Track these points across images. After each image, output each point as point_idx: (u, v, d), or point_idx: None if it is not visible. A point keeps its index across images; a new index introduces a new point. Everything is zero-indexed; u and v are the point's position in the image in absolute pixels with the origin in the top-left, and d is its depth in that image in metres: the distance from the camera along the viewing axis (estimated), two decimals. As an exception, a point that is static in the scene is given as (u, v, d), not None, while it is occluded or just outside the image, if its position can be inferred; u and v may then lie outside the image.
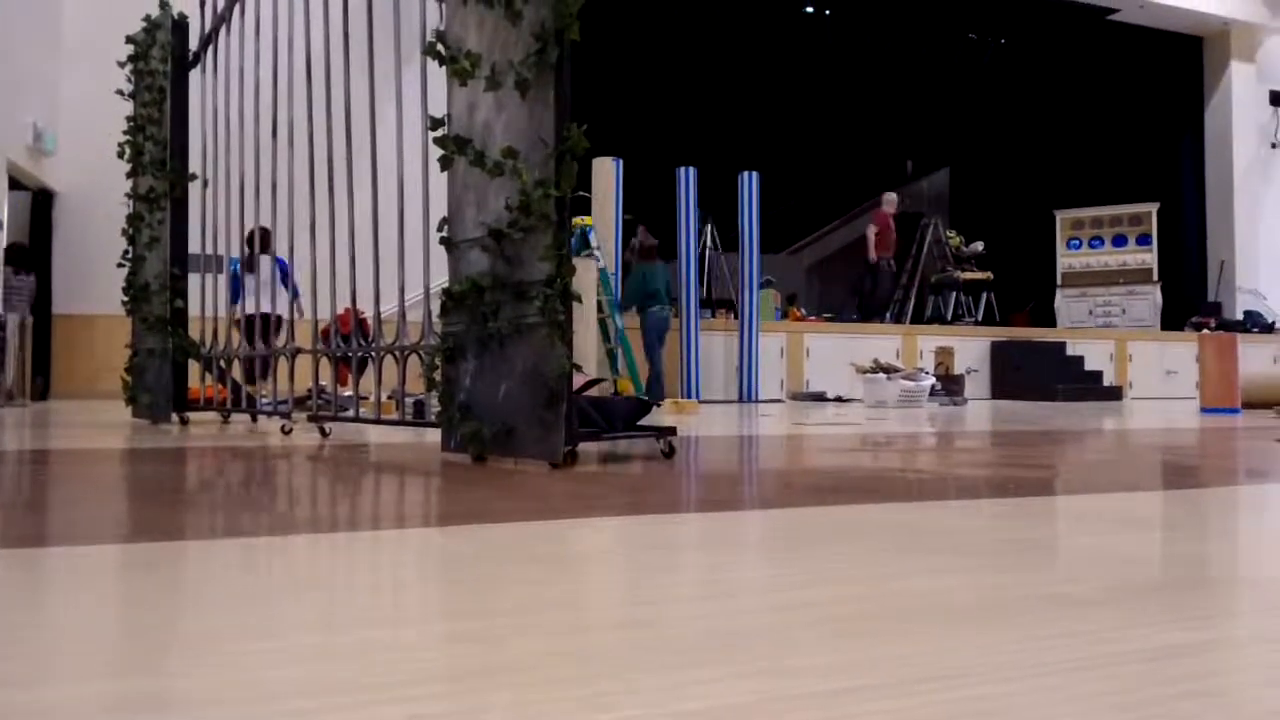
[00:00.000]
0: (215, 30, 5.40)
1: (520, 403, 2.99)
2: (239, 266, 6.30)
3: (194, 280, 5.41)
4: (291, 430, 4.47)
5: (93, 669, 0.97)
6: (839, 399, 10.66)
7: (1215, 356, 8.41)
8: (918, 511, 2.19)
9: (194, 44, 5.59)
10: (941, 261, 14.85)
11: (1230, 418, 7.30)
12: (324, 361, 4.65)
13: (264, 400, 5.15)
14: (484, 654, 1.01)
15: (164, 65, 5.50)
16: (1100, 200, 14.59)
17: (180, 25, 5.56)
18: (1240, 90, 15.29)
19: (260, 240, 6.03)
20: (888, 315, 13.32)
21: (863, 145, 15.47)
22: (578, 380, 3.16)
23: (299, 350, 4.69)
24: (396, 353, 3.84)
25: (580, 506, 2.20)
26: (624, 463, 3.18)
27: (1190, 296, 15.10)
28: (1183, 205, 15.51)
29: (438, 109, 3.40)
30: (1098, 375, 12.35)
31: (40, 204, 9.64)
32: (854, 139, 15.24)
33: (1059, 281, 14.73)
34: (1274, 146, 15.50)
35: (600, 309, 8.99)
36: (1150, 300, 14.15)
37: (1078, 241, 14.78)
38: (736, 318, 10.89)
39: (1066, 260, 14.75)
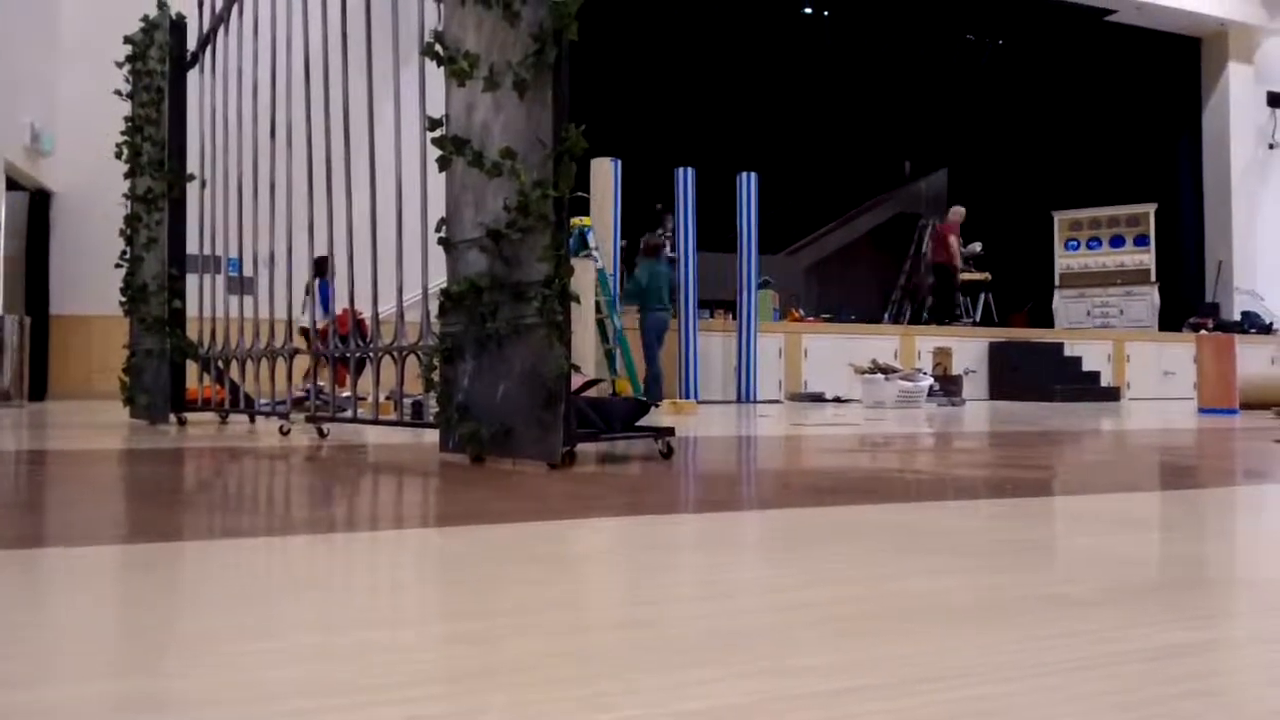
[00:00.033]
0: (213, 30, 5.40)
1: (518, 403, 2.98)
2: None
3: (192, 281, 5.40)
4: (289, 431, 4.46)
5: (92, 669, 0.97)
6: (837, 400, 10.66)
7: (1213, 357, 8.43)
8: (916, 512, 2.19)
9: (192, 44, 5.58)
10: (939, 262, 14.85)
11: (1228, 418, 7.30)
12: (322, 362, 4.64)
13: (265, 403, 5.14)
14: (483, 654, 1.01)
15: (162, 65, 5.49)
16: (1098, 201, 14.60)
17: (178, 25, 5.55)
18: (1238, 91, 15.31)
19: (319, 266, 6.07)
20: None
21: (861, 146, 15.48)
22: (576, 381, 3.16)
23: (297, 351, 4.68)
24: (395, 353, 3.84)
25: (579, 507, 2.20)
26: (622, 463, 3.17)
27: (1188, 297, 15.12)
28: (1180, 206, 15.53)
29: (436, 109, 3.40)
30: (1095, 376, 12.36)
31: (38, 204, 9.63)
32: (852, 140, 15.24)
33: (1057, 282, 14.75)
34: (1271, 147, 15.53)
35: (598, 310, 8.99)
36: (1148, 301, 14.17)
37: (1076, 242, 14.80)
38: (733, 317, 10.87)
39: (1064, 261, 14.77)
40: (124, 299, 5.73)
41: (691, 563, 1.60)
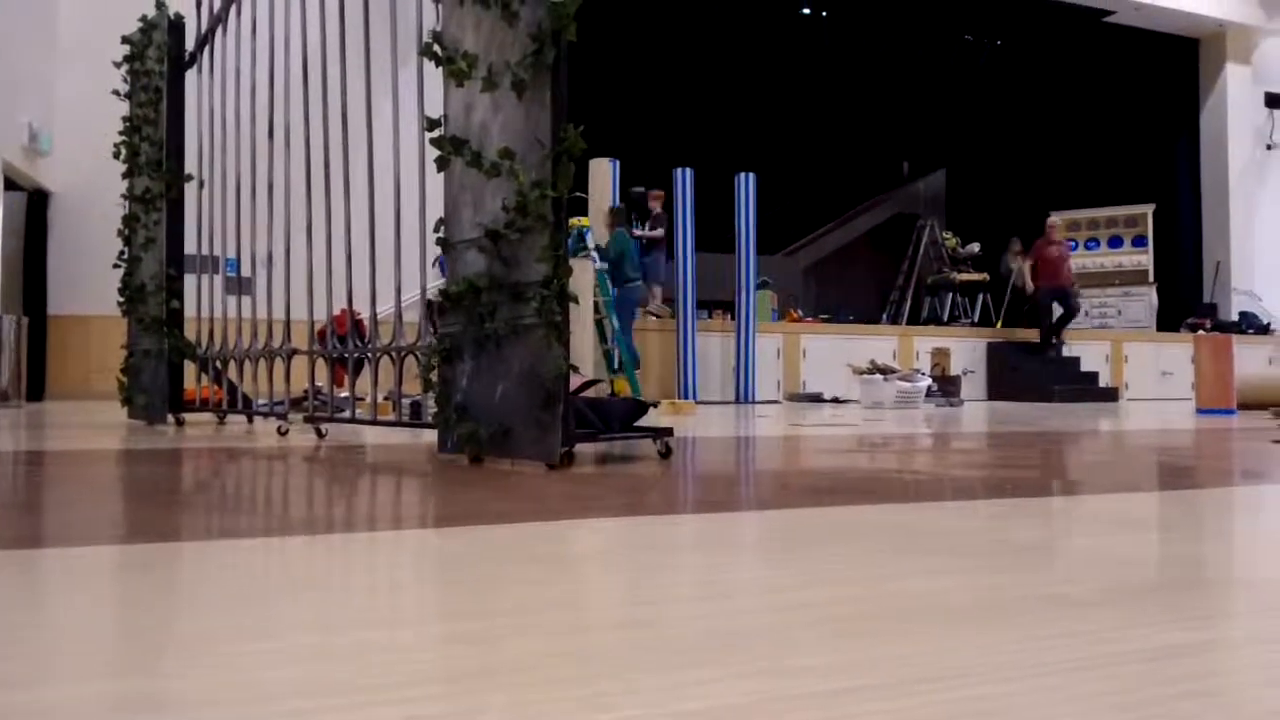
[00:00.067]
0: (211, 31, 5.39)
1: (517, 404, 2.98)
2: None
3: (190, 281, 5.40)
4: (288, 431, 4.46)
5: (90, 670, 0.97)
6: (836, 400, 10.67)
7: (1211, 358, 8.44)
8: (915, 512, 2.19)
9: (190, 44, 5.57)
10: (938, 263, 14.88)
11: (1226, 419, 7.31)
12: (320, 362, 4.64)
13: (263, 403, 5.14)
14: (482, 655, 1.01)
15: (160, 66, 5.49)
16: (1096, 202, 14.62)
17: (176, 25, 5.55)
18: (1235, 92, 15.34)
19: None
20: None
21: (859, 146, 15.49)
22: (574, 381, 3.16)
23: (295, 351, 4.68)
24: (393, 353, 3.84)
25: (577, 507, 2.19)
26: (621, 464, 3.17)
27: (1186, 298, 15.14)
28: (1178, 207, 15.55)
29: (434, 109, 3.40)
30: (1094, 376, 12.37)
31: (36, 204, 9.62)
32: (851, 140, 15.25)
33: (1055, 282, 14.74)
34: (1269, 148, 15.55)
35: (597, 310, 8.98)
36: (1146, 301, 14.19)
37: (1074, 243, 14.80)
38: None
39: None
40: (122, 299, 5.72)
41: (690, 563, 1.60)
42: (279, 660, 0.98)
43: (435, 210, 3.41)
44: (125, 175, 5.77)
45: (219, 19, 5.30)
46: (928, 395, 9.48)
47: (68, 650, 1.03)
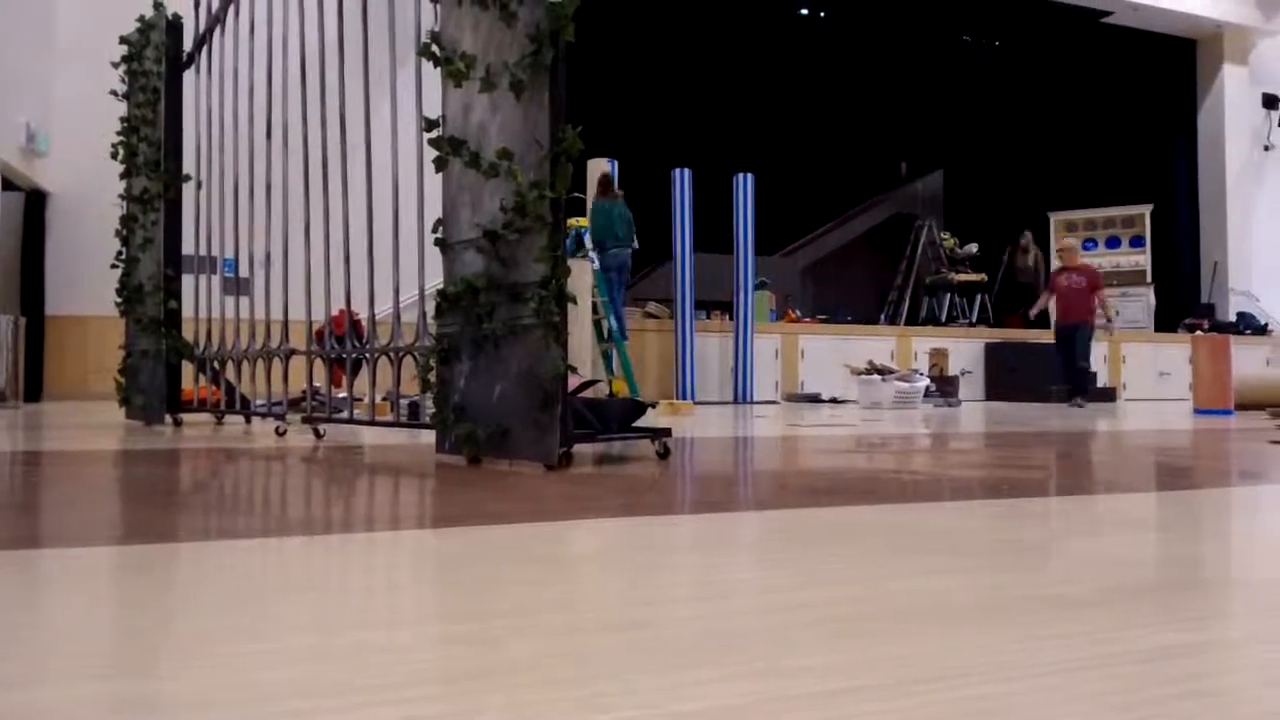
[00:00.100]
0: (209, 31, 5.39)
1: (515, 404, 2.98)
2: None
3: (188, 281, 5.39)
4: (286, 432, 4.45)
5: (87, 671, 0.96)
6: (834, 400, 10.67)
7: (1208, 358, 8.44)
8: (913, 513, 2.19)
9: (188, 45, 5.57)
10: (936, 263, 14.89)
11: (1223, 419, 7.32)
12: (318, 363, 4.64)
13: (261, 404, 5.13)
14: (480, 655, 1.01)
15: (158, 66, 5.48)
16: (1094, 202, 14.64)
17: (174, 26, 5.55)
18: (1233, 93, 15.35)
19: None
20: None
21: (857, 147, 15.50)
22: (573, 382, 3.16)
23: (293, 351, 4.68)
24: (391, 354, 3.83)
25: (576, 508, 2.19)
26: (619, 464, 3.17)
27: (1183, 298, 15.15)
28: (1176, 207, 15.57)
29: (432, 110, 3.40)
30: (1092, 377, 12.37)
31: (33, 205, 9.61)
32: (849, 141, 15.26)
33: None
34: (1266, 149, 15.57)
35: (595, 310, 8.98)
36: (1144, 302, 14.21)
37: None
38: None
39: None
40: (120, 299, 5.72)
41: (688, 564, 1.60)
42: (276, 661, 0.98)
43: (433, 211, 3.41)
44: (123, 176, 5.77)
45: (217, 19, 5.30)
46: (925, 396, 9.49)
47: (65, 651, 1.03)
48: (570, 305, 2.93)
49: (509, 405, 3.00)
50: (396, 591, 1.41)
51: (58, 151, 9.50)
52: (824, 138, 14.92)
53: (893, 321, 14.55)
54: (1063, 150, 15.21)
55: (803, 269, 15.41)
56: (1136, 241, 14.39)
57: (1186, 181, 15.70)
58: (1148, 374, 13.23)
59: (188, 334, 5.40)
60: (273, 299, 4.76)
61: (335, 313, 4.65)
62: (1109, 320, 10.71)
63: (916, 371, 10.14)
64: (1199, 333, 12.40)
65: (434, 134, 3.35)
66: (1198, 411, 8.20)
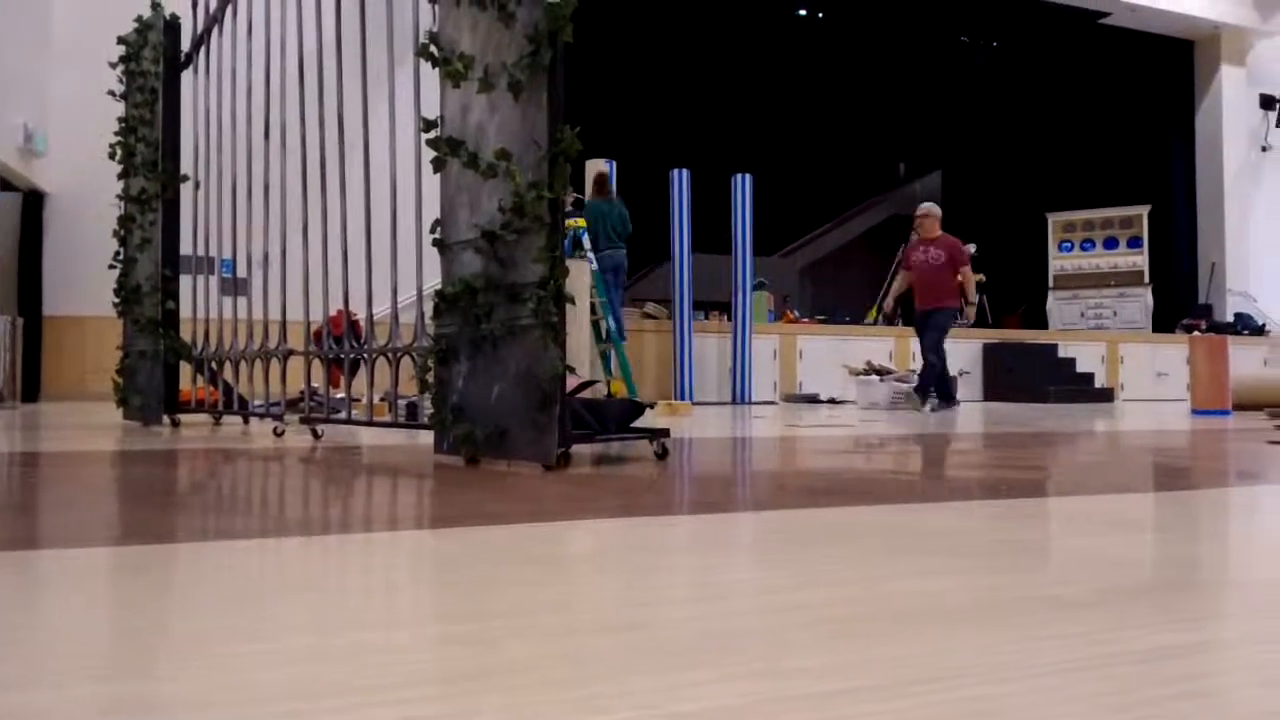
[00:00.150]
0: (207, 31, 5.39)
1: (513, 405, 2.98)
2: None
3: (186, 282, 5.39)
4: (283, 432, 4.45)
5: (85, 672, 0.96)
6: (832, 401, 10.67)
7: (1206, 358, 8.45)
8: (911, 513, 2.19)
9: (186, 45, 5.57)
10: (934, 264, 14.88)
11: (1221, 420, 7.32)
12: (316, 363, 4.63)
13: (259, 404, 5.13)
14: (477, 656, 1.01)
15: (156, 66, 5.48)
16: (1092, 203, 14.65)
17: (172, 26, 5.54)
18: (1230, 94, 15.37)
19: None
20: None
21: (856, 148, 15.51)
22: (571, 382, 3.16)
23: (291, 352, 4.67)
24: (389, 354, 3.83)
25: (574, 509, 2.19)
26: (617, 465, 3.17)
27: (1181, 299, 15.17)
28: (1174, 208, 15.58)
29: (431, 110, 3.40)
30: (1089, 377, 12.40)
31: (31, 205, 9.60)
32: (847, 141, 15.28)
33: (1051, 284, 14.79)
34: (1264, 150, 15.58)
35: (593, 311, 8.98)
36: (1141, 302, 14.22)
37: (1069, 244, 14.84)
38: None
39: (1058, 263, 14.82)
40: (117, 300, 5.71)
41: (686, 564, 1.60)
42: (274, 662, 0.98)
43: (431, 211, 3.40)
44: (121, 176, 5.76)
45: (215, 19, 5.30)
46: (924, 396, 9.48)
47: (62, 652, 1.03)
48: (568, 306, 2.93)
49: (507, 406, 3.00)
50: (394, 592, 1.41)
51: (55, 152, 9.49)
52: (822, 138, 14.94)
53: (891, 322, 14.55)
54: (1061, 151, 15.23)
55: (801, 269, 15.42)
56: (1134, 242, 14.41)
57: (1184, 182, 15.71)
58: (1145, 374, 13.24)
59: (186, 334, 5.40)
60: (270, 299, 4.75)
61: (333, 313, 4.65)
62: (969, 303, 9.02)
63: (914, 372, 10.14)
64: (1197, 333, 12.41)
65: (432, 134, 3.34)
66: (1195, 412, 8.20)
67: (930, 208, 9.04)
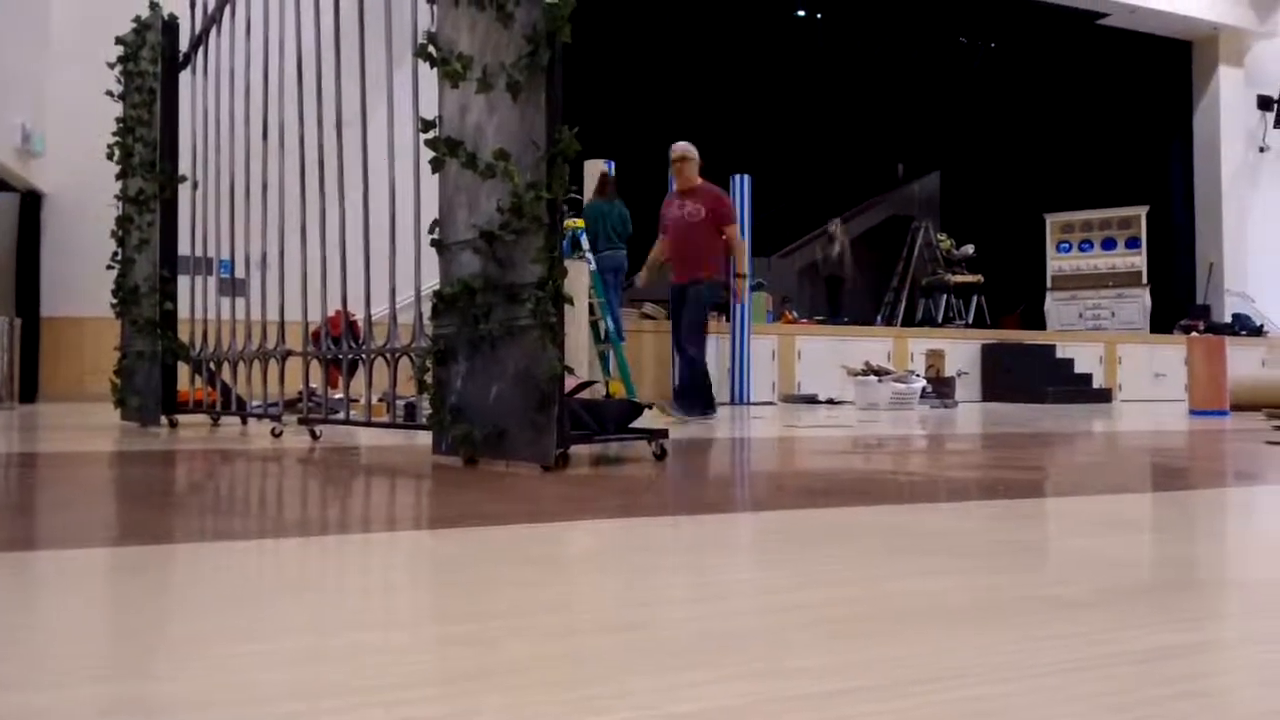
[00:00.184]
0: (205, 31, 5.38)
1: (512, 405, 2.98)
2: None
3: (184, 282, 5.38)
4: (281, 433, 4.45)
5: (83, 672, 0.96)
6: (830, 401, 10.68)
7: (1204, 359, 8.45)
8: (910, 514, 2.19)
9: (184, 45, 5.56)
10: (932, 265, 14.91)
11: (1219, 420, 7.33)
12: (314, 364, 4.63)
13: (257, 405, 5.13)
14: (476, 657, 1.01)
15: (154, 66, 5.47)
16: (1090, 204, 14.66)
17: (170, 26, 5.54)
18: (1228, 94, 15.38)
19: None
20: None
21: (854, 149, 15.52)
22: (569, 383, 3.15)
23: (289, 353, 4.67)
24: (387, 355, 3.83)
25: (572, 509, 2.19)
26: (616, 465, 3.17)
27: (1179, 299, 15.18)
28: (1171, 209, 15.60)
29: (429, 111, 3.39)
30: (1087, 378, 12.40)
31: (29, 205, 9.59)
32: (845, 142, 15.28)
33: (1049, 284, 14.80)
34: (1262, 150, 15.60)
35: (592, 311, 8.98)
36: (1139, 303, 14.23)
37: (1067, 245, 14.85)
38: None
39: (1056, 263, 14.82)
40: (115, 301, 5.70)
41: (684, 565, 1.60)
42: (273, 662, 0.98)
43: (430, 211, 3.40)
44: (119, 176, 5.76)
45: (213, 19, 5.29)
46: (922, 397, 9.49)
47: (60, 653, 1.03)
48: (567, 306, 2.93)
49: (506, 406, 3.00)
50: (393, 593, 1.40)
51: (53, 152, 9.48)
52: (821, 139, 14.94)
53: (889, 323, 14.56)
54: (1059, 152, 15.24)
55: (800, 270, 15.43)
56: (1132, 243, 14.42)
57: (1182, 183, 15.73)
58: (1143, 375, 13.25)
59: (184, 335, 5.39)
60: (269, 300, 4.75)
61: (331, 314, 4.65)
62: (739, 275, 7.18)
63: (913, 373, 10.15)
64: (1194, 334, 12.42)
65: (430, 135, 3.34)
66: (1193, 413, 8.21)
67: (685, 148, 6.86)
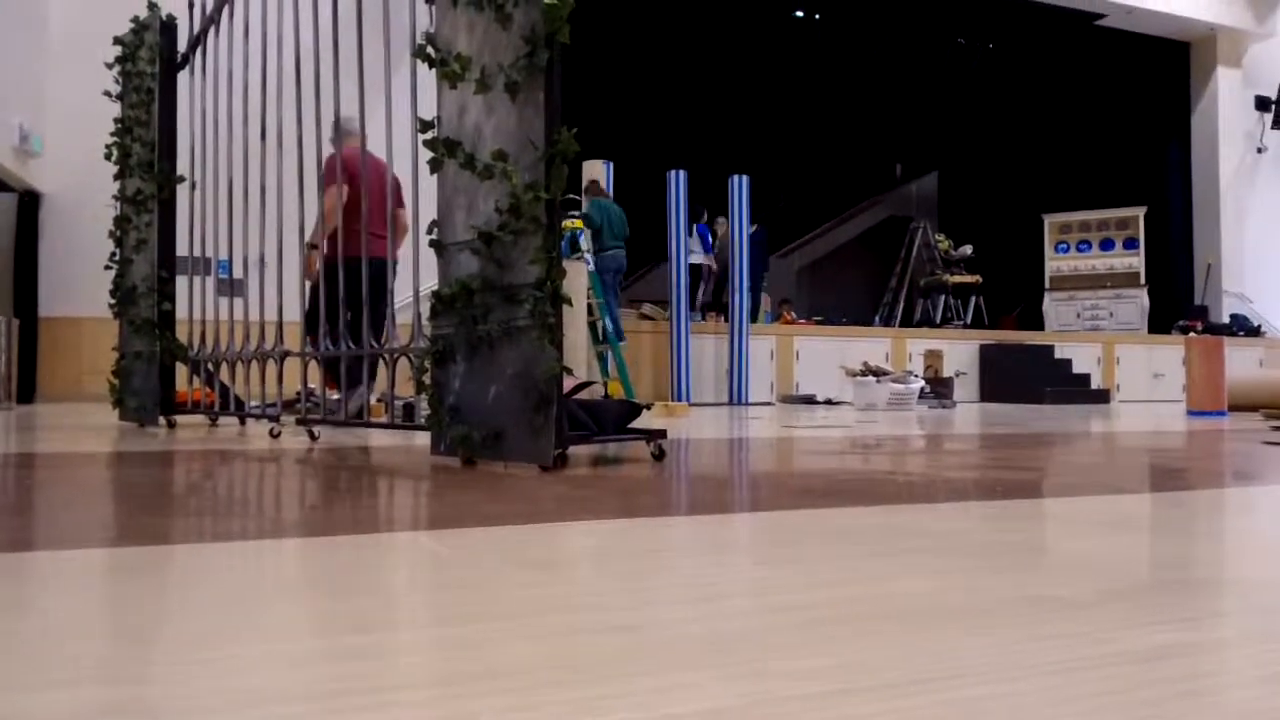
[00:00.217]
0: (204, 32, 5.38)
1: (510, 406, 2.98)
2: None
3: (182, 283, 5.38)
4: (280, 434, 4.44)
5: (78, 675, 0.96)
6: (829, 402, 10.68)
7: (1202, 359, 8.46)
8: (908, 514, 2.19)
9: (182, 45, 5.56)
10: (930, 265, 14.92)
11: (1217, 420, 7.33)
12: (312, 364, 4.62)
13: (256, 405, 5.13)
14: (474, 658, 1.00)
15: (152, 67, 5.47)
16: (1088, 204, 14.68)
17: (169, 26, 5.53)
18: (1226, 95, 15.41)
19: None
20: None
21: (853, 149, 15.54)
22: (568, 383, 3.15)
23: (287, 353, 4.67)
24: (386, 356, 3.83)
25: (570, 510, 2.19)
26: (614, 465, 3.17)
27: (1177, 300, 15.21)
28: (1170, 209, 15.62)
29: (427, 111, 3.39)
30: (1085, 378, 12.42)
31: (27, 206, 9.59)
32: (844, 143, 15.30)
33: (1047, 285, 14.81)
34: (1260, 151, 15.62)
35: (590, 311, 8.98)
36: (1137, 303, 14.24)
37: (1065, 245, 14.86)
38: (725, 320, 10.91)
39: (1054, 264, 14.84)
40: (113, 301, 5.70)
41: (683, 565, 1.60)
42: (272, 664, 0.98)
43: (428, 212, 3.40)
44: (117, 177, 5.75)
45: (211, 20, 5.29)
46: (920, 397, 9.50)
47: (56, 655, 1.03)
48: (565, 306, 2.93)
49: (504, 407, 3.00)
50: (391, 594, 1.40)
51: (51, 152, 9.48)
52: (819, 140, 14.96)
53: (887, 323, 14.57)
54: (1057, 152, 15.26)
55: (798, 270, 15.43)
56: (1130, 243, 14.43)
57: (1180, 184, 15.75)
58: (1141, 376, 13.26)
59: (182, 335, 5.39)
60: (267, 300, 4.74)
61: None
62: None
63: (911, 373, 10.15)
64: (1192, 334, 12.43)
65: (429, 135, 3.34)
66: (1191, 413, 8.21)
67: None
